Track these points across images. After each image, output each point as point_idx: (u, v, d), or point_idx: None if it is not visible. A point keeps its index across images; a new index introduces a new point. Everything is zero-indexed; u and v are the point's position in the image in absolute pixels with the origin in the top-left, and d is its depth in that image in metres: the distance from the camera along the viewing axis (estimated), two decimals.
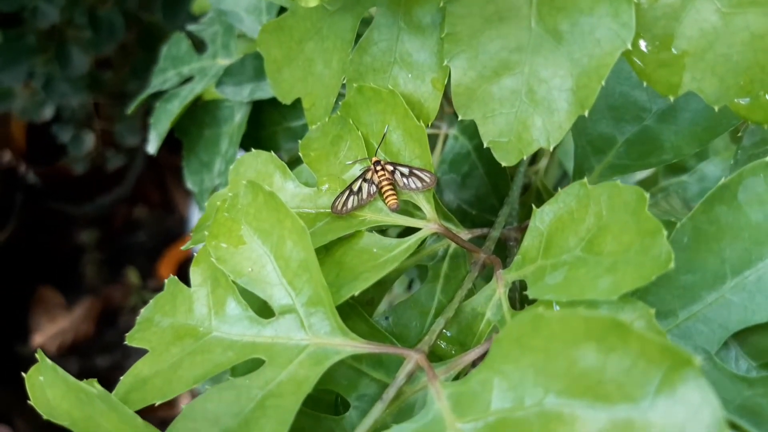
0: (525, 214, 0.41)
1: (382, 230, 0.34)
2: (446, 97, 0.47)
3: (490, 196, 0.42)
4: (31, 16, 0.97)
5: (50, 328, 1.35)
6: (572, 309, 0.23)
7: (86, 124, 1.25)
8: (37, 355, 0.24)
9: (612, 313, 0.24)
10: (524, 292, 0.28)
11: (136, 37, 1.14)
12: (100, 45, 1.05)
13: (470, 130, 0.45)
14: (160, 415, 0.36)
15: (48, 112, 1.14)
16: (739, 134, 0.35)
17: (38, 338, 1.32)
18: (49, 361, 0.24)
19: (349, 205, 0.32)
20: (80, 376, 0.26)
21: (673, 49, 0.27)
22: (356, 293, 0.28)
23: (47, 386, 0.24)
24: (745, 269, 0.27)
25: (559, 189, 0.28)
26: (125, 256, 1.45)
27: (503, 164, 0.30)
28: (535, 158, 0.47)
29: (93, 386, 0.24)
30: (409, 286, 0.60)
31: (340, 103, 0.35)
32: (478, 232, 0.35)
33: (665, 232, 0.23)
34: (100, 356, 1.32)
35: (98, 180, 1.41)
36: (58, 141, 1.23)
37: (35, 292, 1.39)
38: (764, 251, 0.27)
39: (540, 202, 0.29)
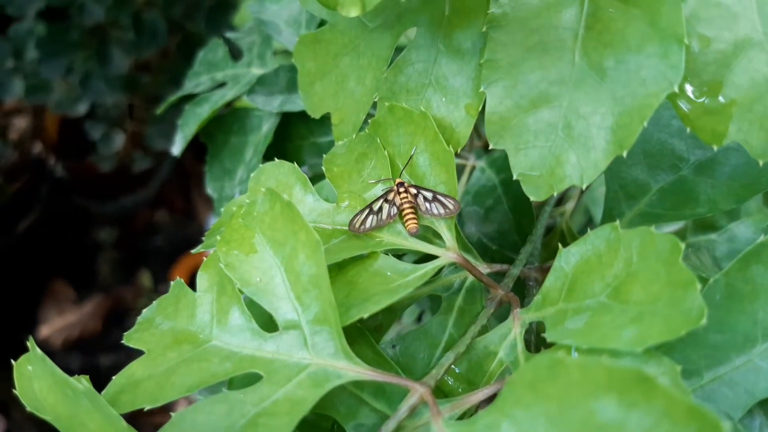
0: (547, 255, 0.40)
1: (399, 255, 0.33)
2: (476, 129, 0.46)
3: (513, 232, 0.41)
4: (78, 12, 0.99)
5: (58, 322, 1.34)
6: (594, 357, 0.21)
7: (118, 124, 1.26)
8: (27, 343, 0.23)
9: (635, 366, 0.23)
10: (541, 335, 0.26)
11: (178, 44, 1.16)
12: (141, 48, 1.07)
13: (498, 164, 0.44)
14: (156, 420, 0.34)
15: (82, 108, 1.15)
16: None
17: (45, 330, 1.32)
18: (39, 350, 0.23)
19: (368, 224, 0.31)
20: (82, 372, 0.26)
21: (720, 97, 0.26)
22: (365, 316, 0.27)
23: (35, 377, 0.23)
24: None
25: (588, 230, 0.26)
26: (141, 259, 1.45)
27: (532, 199, 0.29)
28: (562, 199, 0.46)
29: (81, 382, 0.22)
30: (419, 318, 0.58)
31: (368, 121, 0.34)
32: (497, 267, 0.34)
33: (699, 286, 0.22)
34: (103, 355, 1.31)
35: (124, 180, 1.42)
36: (89, 138, 1.24)
37: (48, 284, 1.39)
38: None
39: (564, 244, 0.28)
